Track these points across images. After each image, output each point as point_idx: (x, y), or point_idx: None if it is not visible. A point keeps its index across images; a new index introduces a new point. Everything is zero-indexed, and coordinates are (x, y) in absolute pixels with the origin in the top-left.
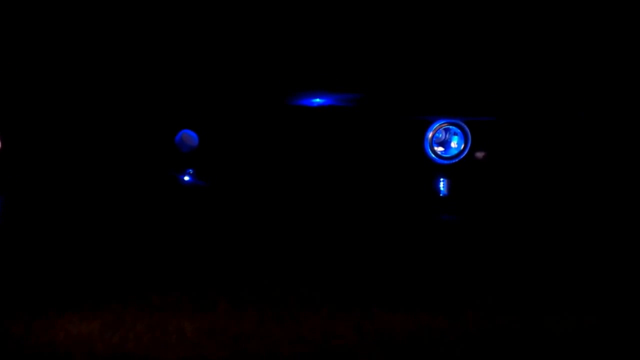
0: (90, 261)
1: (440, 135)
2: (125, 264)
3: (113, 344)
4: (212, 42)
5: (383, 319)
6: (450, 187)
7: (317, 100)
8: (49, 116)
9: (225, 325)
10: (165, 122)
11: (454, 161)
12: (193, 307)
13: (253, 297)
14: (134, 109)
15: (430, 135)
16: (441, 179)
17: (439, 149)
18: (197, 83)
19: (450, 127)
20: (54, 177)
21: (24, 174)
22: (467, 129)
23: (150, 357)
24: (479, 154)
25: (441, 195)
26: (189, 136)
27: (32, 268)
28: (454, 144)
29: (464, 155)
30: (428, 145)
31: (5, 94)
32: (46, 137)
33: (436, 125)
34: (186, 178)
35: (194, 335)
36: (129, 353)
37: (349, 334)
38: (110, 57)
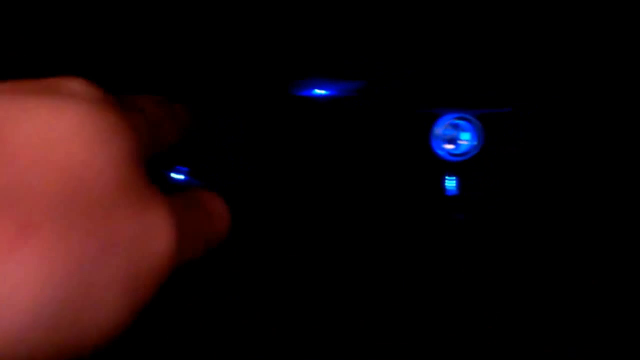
0: None
1: (449, 131)
2: None
3: None
4: (212, 33)
5: None
6: (460, 185)
7: (320, 91)
8: None
9: None
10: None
11: (463, 158)
12: None
13: None
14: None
15: (437, 131)
16: (449, 178)
17: (449, 146)
18: (196, 74)
19: (460, 121)
20: None
21: None
22: (478, 122)
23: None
24: (492, 150)
25: (450, 194)
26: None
27: None
28: (463, 140)
29: (475, 152)
30: (435, 141)
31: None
32: None
33: (444, 120)
34: (178, 176)
35: None
36: None
37: None
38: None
